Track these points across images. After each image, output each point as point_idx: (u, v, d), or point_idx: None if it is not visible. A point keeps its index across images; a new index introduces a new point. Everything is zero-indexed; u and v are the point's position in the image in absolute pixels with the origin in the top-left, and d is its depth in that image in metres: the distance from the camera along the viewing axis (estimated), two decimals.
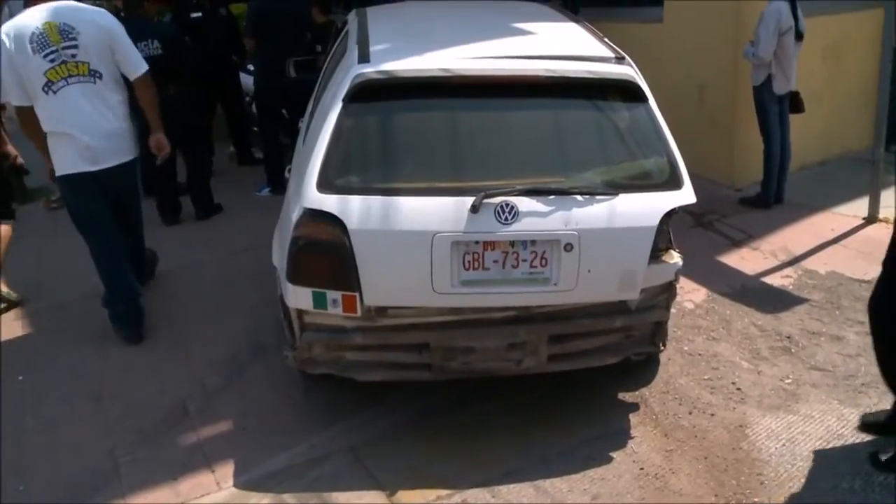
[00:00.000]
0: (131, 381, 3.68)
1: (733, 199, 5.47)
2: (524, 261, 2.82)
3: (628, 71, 3.03)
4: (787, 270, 4.52)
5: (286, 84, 5.09)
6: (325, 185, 2.82)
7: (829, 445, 3.05)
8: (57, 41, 3.68)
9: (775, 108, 5.03)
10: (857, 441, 3.05)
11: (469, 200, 2.74)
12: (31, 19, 3.71)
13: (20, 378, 3.76)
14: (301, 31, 5.75)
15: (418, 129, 2.97)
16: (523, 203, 2.77)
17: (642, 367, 3.56)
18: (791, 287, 4.34)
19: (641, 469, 2.97)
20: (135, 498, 2.94)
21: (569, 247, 2.78)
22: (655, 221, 2.83)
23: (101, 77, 3.80)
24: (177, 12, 6.41)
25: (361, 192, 2.80)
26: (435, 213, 2.76)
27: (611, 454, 3.05)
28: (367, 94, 2.93)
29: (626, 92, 2.99)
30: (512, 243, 2.80)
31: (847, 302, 4.14)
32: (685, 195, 2.91)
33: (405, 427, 3.25)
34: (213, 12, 6.46)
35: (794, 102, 5.07)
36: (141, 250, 4.41)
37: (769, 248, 4.78)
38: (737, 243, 4.89)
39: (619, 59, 3.10)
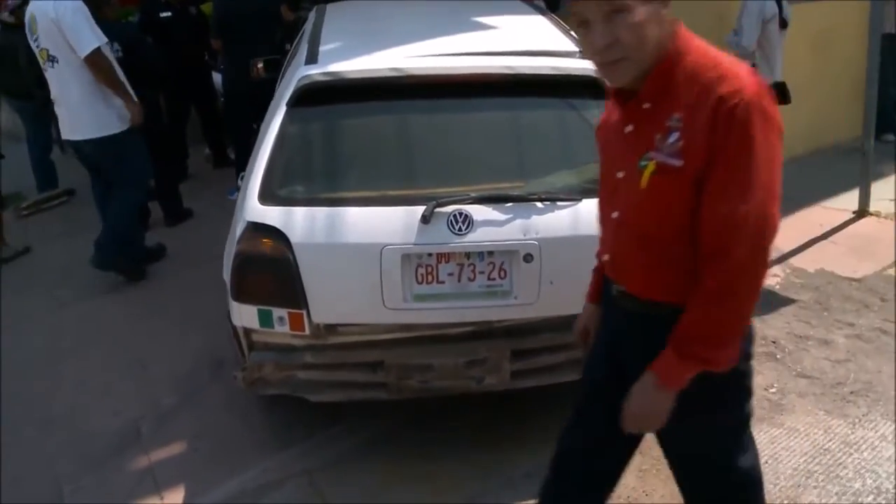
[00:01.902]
0: (83, 402, 3.51)
1: None
2: (481, 273, 2.63)
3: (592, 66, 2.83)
4: (774, 269, 4.32)
5: (253, 85, 4.90)
6: (267, 196, 2.64)
7: (815, 462, 2.86)
8: (34, 31, 4.34)
9: None
10: (845, 457, 2.87)
11: (420, 210, 2.56)
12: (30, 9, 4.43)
13: None
14: (268, 30, 5.54)
15: (367, 133, 2.78)
16: (478, 211, 2.58)
17: None
18: (777, 287, 4.15)
19: (613, 491, 2.78)
20: None
21: (528, 257, 2.59)
22: None
23: (57, 61, 4.31)
24: (145, 11, 6.22)
25: (306, 204, 2.63)
26: (383, 224, 2.57)
27: None
28: (313, 97, 2.74)
29: (592, 89, 2.79)
30: (467, 255, 2.61)
31: (836, 302, 3.95)
32: None
33: (364, 449, 3.06)
34: (182, 11, 6.25)
35: (780, 93, 4.84)
36: (112, 229, 4.59)
37: None
38: None
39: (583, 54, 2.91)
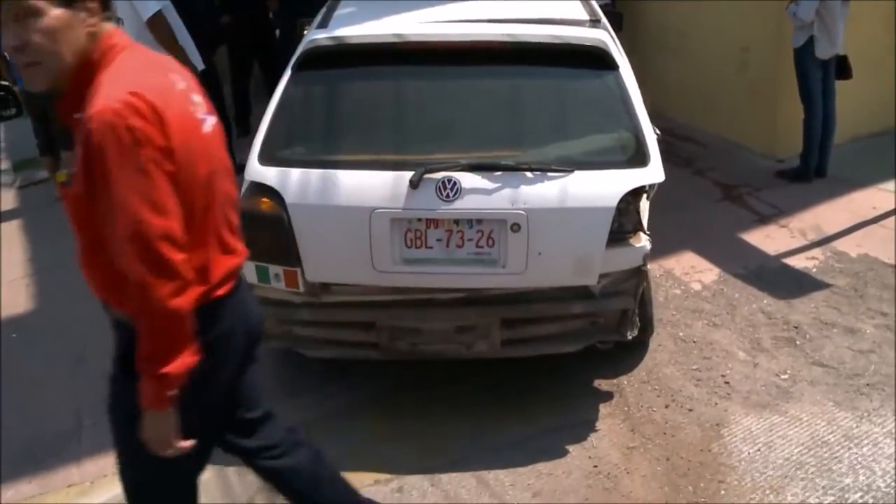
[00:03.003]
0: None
1: (771, 172, 5.05)
2: (469, 240, 2.65)
3: (599, 35, 2.77)
4: (814, 251, 4.14)
5: None
6: (266, 157, 2.73)
7: (810, 454, 2.77)
8: None
9: (818, 73, 4.57)
10: (843, 451, 2.77)
11: (410, 175, 2.58)
12: None
13: (14, 336, 3.89)
14: None
15: (366, 98, 2.81)
16: (467, 179, 2.59)
17: (627, 353, 3.34)
18: (814, 270, 3.97)
19: (595, 467, 2.79)
20: (87, 462, 2.98)
21: (516, 227, 2.59)
22: (614, 202, 2.59)
23: (122, 23, 4.17)
24: None
25: (302, 165, 2.69)
26: (374, 187, 2.62)
27: (567, 447, 2.88)
28: (318, 61, 2.79)
29: (595, 59, 2.73)
30: (456, 221, 2.63)
31: (873, 290, 3.75)
32: (651, 174, 2.65)
33: (363, 404, 3.16)
34: None
35: (841, 68, 4.60)
36: None
37: (799, 226, 4.39)
38: (764, 220, 4.51)
39: (594, 23, 2.85)
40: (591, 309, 2.81)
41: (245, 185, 2.78)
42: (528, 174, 2.58)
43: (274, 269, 2.77)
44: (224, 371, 1.86)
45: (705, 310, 3.71)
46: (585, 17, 2.87)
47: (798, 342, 3.42)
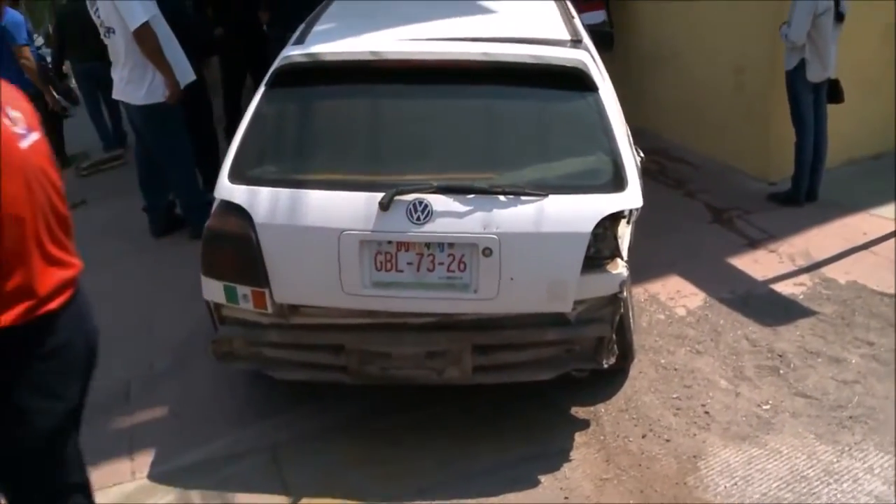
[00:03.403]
0: None
1: (763, 195, 4.99)
2: (441, 264, 2.59)
3: (579, 56, 2.72)
4: (802, 277, 4.07)
5: None
6: (236, 175, 2.68)
7: (788, 489, 2.69)
8: (94, 1, 4.47)
9: (809, 96, 4.52)
10: (822, 487, 2.69)
11: (381, 196, 2.52)
12: None
13: None
14: (312, 5, 5.57)
15: (339, 116, 2.77)
16: (438, 202, 2.53)
17: (606, 379, 3.27)
18: (801, 297, 3.90)
19: (566, 498, 2.72)
20: None
21: (487, 251, 2.53)
22: (589, 227, 2.52)
23: (113, 32, 4.44)
24: None
25: (272, 184, 2.64)
26: (343, 209, 2.56)
27: (539, 477, 2.80)
28: (292, 78, 2.75)
29: (574, 80, 2.68)
30: (427, 245, 2.57)
31: (861, 318, 3.68)
32: (628, 199, 2.58)
33: (334, 428, 3.09)
34: None
35: (833, 91, 4.54)
36: (185, 206, 4.93)
37: (788, 251, 4.32)
38: (753, 244, 4.44)
39: (575, 43, 2.80)
40: (567, 336, 2.74)
41: (215, 204, 2.74)
42: (502, 197, 2.53)
43: (242, 290, 2.71)
44: (68, 382, 1.93)
45: (689, 336, 3.64)
46: (567, 36, 2.82)
47: (782, 371, 3.34)
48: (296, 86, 2.76)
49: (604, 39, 4.41)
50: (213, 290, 2.77)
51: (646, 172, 5.37)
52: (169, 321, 3.93)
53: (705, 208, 4.92)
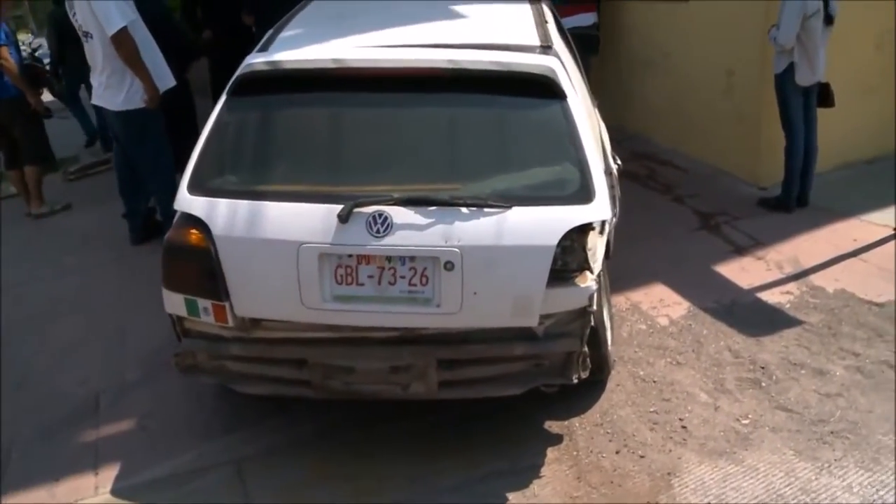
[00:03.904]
0: (59, 367, 3.66)
1: (753, 200, 4.90)
2: (402, 278, 2.52)
3: (547, 63, 2.64)
4: (790, 286, 3.98)
5: None
6: (195, 186, 2.63)
7: None
8: (72, 7, 4.46)
9: (798, 100, 4.43)
10: None
11: (340, 208, 2.46)
12: None
13: None
14: None
15: (300, 126, 2.71)
16: (399, 214, 2.47)
17: (583, 392, 3.19)
18: (787, 306, 3.81)
19: None
20: (10, 497, 2.87)
21: (449, 265, 2.46)
22: (554, 240, 2.45)
23: (91, 37, 4.41)
24: None
25: (231, 196, 2.58)
26: (302, 221, 2.50)
27: (507, 494, 2.74)
28: (253, 87, 2.70)
29: (541, 87, 2.61)
30: (388, 258, 2.50)
31: (847, 328, 3.59)
32: (595, 211, 2.51)
33: (302, 441, 3.04)
34: None
35: (823, 95, 4.44)
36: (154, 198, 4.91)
37: (776, 259, 4.23)
38: (741, 251, 4.36)
39: (545, 49, 2.72)
40: (535, 351, 2.67)
41: (176, 216, 2.69)
42: (463, 209, 2.46)
43: (203, 303, 2.66)
44: None
45: (670, 347, 3.56)
46: (536, 42, 2.74)
47: (763, 384, 3.26)
48: (257, 94, 2.70)
49: (589, 43, 4.33)
50: (174, 303, 2.72)
51: (634, 177, 5.41)
52: (143, 331, 3.87)
53: (693, 214, 4.84)
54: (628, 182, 5.39)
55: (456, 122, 2.65)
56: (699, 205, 4.94)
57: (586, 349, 2.77)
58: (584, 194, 2.51)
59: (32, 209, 5.60)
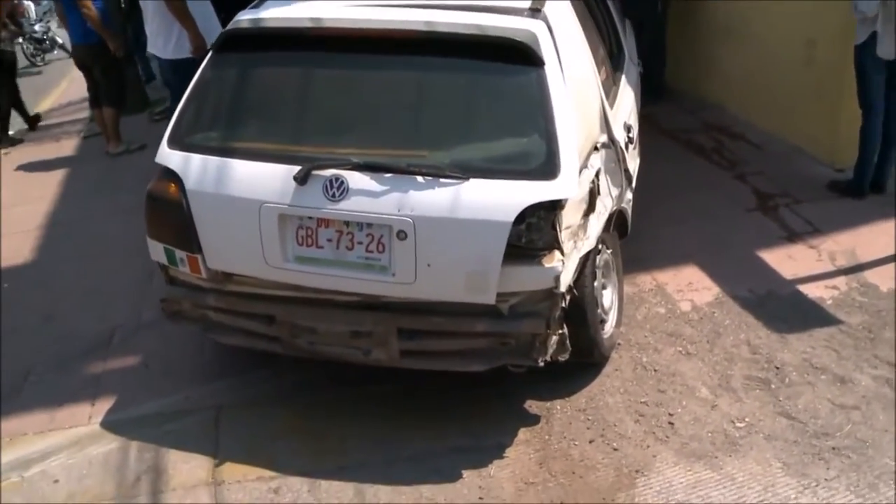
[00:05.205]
0: (84, 303, 3.89)
1: (824, 183, 4.47)
2: (359, 244, 2.48)
3: (529, 27, 2.48)
4: (838, 280, 3.62)
5: None
6: (175, 141, 2.69)
7: None
8: None
9: (880, 75, 3.95)
10: None
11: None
12: None
13: (5, 286, 4.12)
14: None
15: (274, 85, 2.70)
16: (355, 179, 2.42)
17: (575, 375, 3.07)
18: (829, 302, 3.47)
19: (481, 498, 2.58)
20: (13, 418, 3.11)
21: (402, 234, 2.39)
22: (510, 216, 2.33)
23: None
24: None
25: (205, 152, 2.63)
26: (264, 181, 2.51)
27: (462, 471, 2.68)
28: (236, 44, 2.70)
29: (517, 54, 2.45)
30: (346, 223, 2.47)
31: (890, 334, 3.22)
32: (558, 188, 2.35)
33: (280, 395, 3.10)
34: None
35: None
36: None
37: (830, 249, 3.85)
38: (793, 237, 3.99)
39: (534, 12, 2.56)
40: (499, 329, 2.58)
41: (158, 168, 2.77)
42: (419, 178, 2.37)
43: (179, 254, 2.74)
44: None
45: (684, 335, 3.33)
46: (524, 5, 2.57)
47: (773, 385, 3.00)
48: (239, 52, 2.70)
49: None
50: (156, 251, 2.82)
51: (700, 150, 5.07)
52: None
53: (751, 193, 4.47)
54: (691, 156, 5.08)
55: (428, 86, 2.55)
56: (761, 184, 4.55)
57: (564, 331, 2.65)
58: (548, 169, 2.36)
59: (110, 148, 5.95)
